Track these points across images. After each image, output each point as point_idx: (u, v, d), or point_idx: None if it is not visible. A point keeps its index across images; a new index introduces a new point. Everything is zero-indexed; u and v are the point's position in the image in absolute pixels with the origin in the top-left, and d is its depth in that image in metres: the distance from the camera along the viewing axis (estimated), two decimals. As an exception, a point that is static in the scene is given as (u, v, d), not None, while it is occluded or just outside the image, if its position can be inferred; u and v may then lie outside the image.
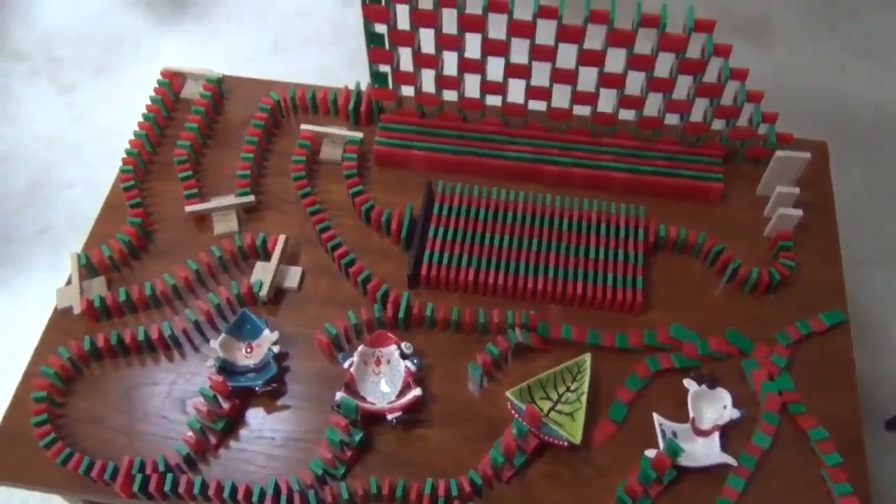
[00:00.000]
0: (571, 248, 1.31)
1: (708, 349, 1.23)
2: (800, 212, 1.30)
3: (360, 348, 1.21)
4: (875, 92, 2.44)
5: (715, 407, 1.16)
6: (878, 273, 2.07)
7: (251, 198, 1.37)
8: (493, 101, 1.45)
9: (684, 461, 1.10)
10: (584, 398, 1.16)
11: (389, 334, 1.22)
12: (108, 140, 2.23)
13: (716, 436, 1.13)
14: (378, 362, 1.21)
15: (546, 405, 1.16)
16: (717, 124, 1.42)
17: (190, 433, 1.13)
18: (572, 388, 1.18)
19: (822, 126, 2.30)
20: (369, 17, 1.32)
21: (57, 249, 2.00)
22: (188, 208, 1.35)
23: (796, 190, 1.32)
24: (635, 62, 1.31)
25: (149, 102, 1.50)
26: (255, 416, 1.18)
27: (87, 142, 2.23)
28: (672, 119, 1.41)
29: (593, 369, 1.20)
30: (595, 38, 1.31)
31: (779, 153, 1.32)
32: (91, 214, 2.05)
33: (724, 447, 1.12)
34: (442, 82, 1.41)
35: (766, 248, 1.35)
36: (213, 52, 2.53)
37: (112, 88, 2.38)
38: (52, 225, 2.05)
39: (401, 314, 1.24)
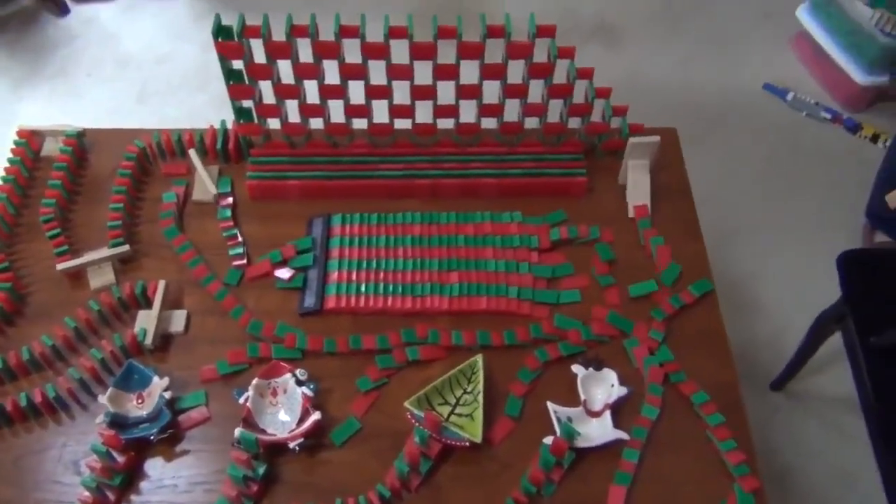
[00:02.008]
0: (472, 264, 1.34)
1: (591, 334, 1.27)
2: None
3: (254, 381, 1.19)
4: (720, 80, 2.60)
5: (603, 387, 1.21)
6: (742, 247, 2.19)
7: (125, 247, 1.35)
8: (359, 123, 1.47)
9: (581, 443, 1.14)
10: (480, 398, 1.19)
11: (282, 363, 1.22)
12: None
13: (607, 414, 1.17)
14: (274, 393, 1.20)
15: (445, 410, 1.18)
16: (574, 123, 1.48)
17: (86, 493, 1.09)
18: (468, 389, 1.20)
19: (675, 116, 2.43)
20: (224, 54, 1.32)
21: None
22: (60, 266, 1.31)
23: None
24: (489, 72, 1.36)
25: (7, 165, 1.45)
26: (154, 465, 1.15)
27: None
28: (532, 122, 1.46)
29: (486, 369, 1.22)
30: (447, 53, 1.35)
31: (632, 139, 1.40)
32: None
33: (617, 424, 1.17)
34: (306, 111, 1.42)
35: (632, 230, 1.41)
36: (76, 109, 2.47)
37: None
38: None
39: (297, 353, 1.25)
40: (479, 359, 1.22)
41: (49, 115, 2.41)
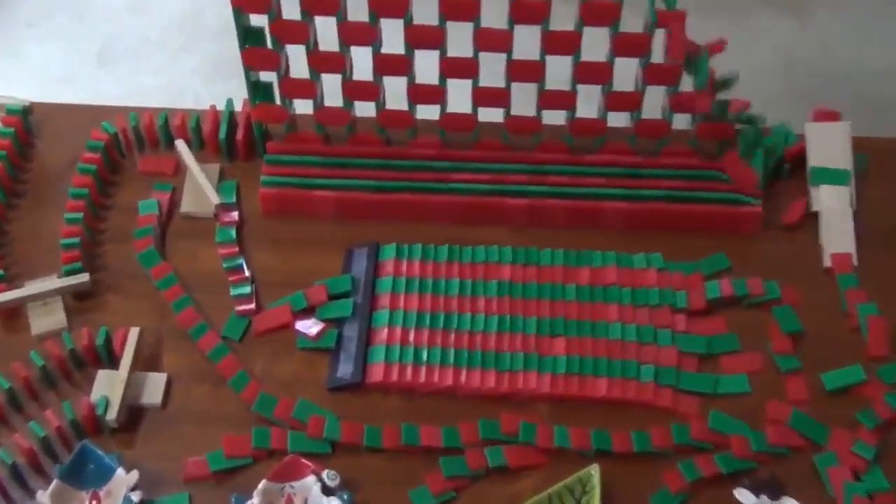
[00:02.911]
0: (586, 328, 1.34)
1: (765, 444, 1.25)
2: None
3: (261, 485, 1.20)
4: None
5: (782, 525, 1.19)
6: None
7: (84, 277, 1.36)
8: (428, 112, 1.48)
9: None
10: (594, 528, 1.17)
11: (304, 460, 1.22)
12: None
13: (788, 567, 1.15)
14: (290, 502, 1.20)
15: (541, 543, 1.17)
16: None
17: None
18: (576, 514, 1.19)
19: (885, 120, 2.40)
20: (240, 6, 1.34)
21: None
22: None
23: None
24: (623, 44, 1.36)
25: (-81, 148, 1.49)
26: None
27: None
28: (681, 121, 1.46)
29: (604, 486, 1.21)
30: (564, 15, 1.35)
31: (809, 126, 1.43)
32: None
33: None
34: (351, 90, 1.44)
35: (830, 290, 1.39)
36: (11, 72, 2.53)
37: None
38: None
39: (325, 445, 1.25)
40: (594, 471, 1.21)
41: (-28, 80, 2.49)
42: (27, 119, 1.55)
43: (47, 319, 1.35)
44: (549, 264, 1.40)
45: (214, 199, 1.45)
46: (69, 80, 2.51)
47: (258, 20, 1.38)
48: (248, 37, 1.39)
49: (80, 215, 1.42)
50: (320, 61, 1.40)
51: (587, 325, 1.34)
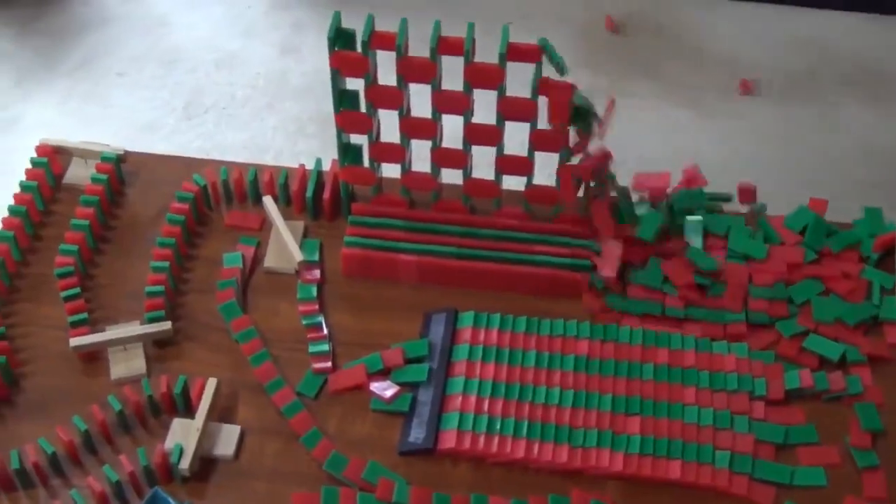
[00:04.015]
0: (663, 409, 1.33)
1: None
2: None
3: (328, 546, 1.19)
4: None
5: None
6: None
7: (166, 325, 1.38)
8: (514, 183, 1.49)
9: None
10: None
11: (371, 526, 1.21)
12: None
13: None
14: (356, 566, 1.20)
15: None
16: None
17: None
18: None
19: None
20: (339, 68, 1.37)
21: None
22: (74, 342, 1.35)
23: None
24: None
25: (17, 191, 1.53)
26: None
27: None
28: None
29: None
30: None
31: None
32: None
33: None
34: (440, 157, 1.45)
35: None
36: (99, 118, 2.59)
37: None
38: None
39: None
40: (665, 555, 1.19)
41: (62, 125, 2.55)
42: (119, 167, 1.59)
43: (127, 366, 1.37)
44: (627, 342, 1.40)
45: (298, 255, 1.47)
46: (153, 129, 2.56)
47: (353, 84, 1.40)
48: (343, 100, 1.41)
49: (167, 264, 1.44)
50: (412, 127, 1.42)
51: (663, 406, 1.33)
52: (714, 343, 1.40)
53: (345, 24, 1.36)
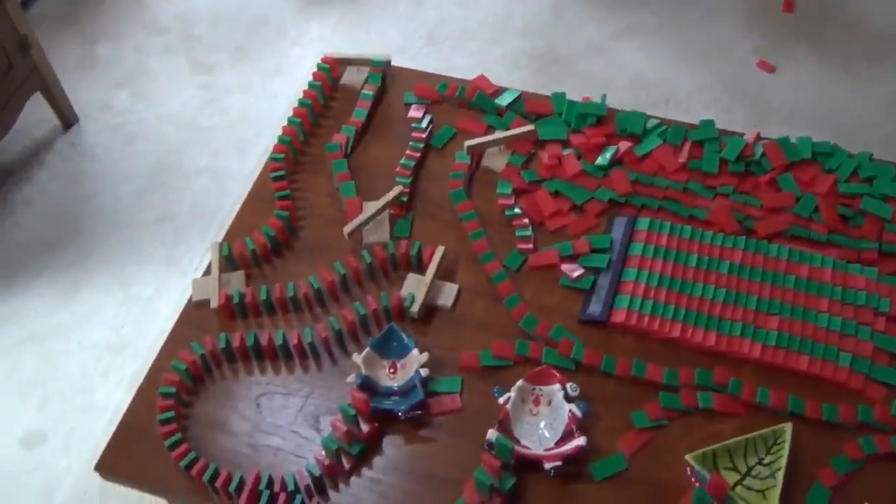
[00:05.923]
0: (799, 312, 1.31)
1: (940, 433, 1.20)
2: None
3: (518, 383, 1.24)
4: None
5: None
6: None
7: (399, 188, 1.45)
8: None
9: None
10: (779, 475, 1.15)
11: (554, 371, 1.25)
12: (238, 128, 2.38)
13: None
14: (538, 401, 1.24)
15: (732, 477, 1.16)
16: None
17: (323, 453, 1.19)
18: (765, 461, 1.17)
19: None
20: None
21: (176, 240, 2.13)
22: (346, 228, 1.41)
23: None
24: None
25: (306, 88, 1.61)
26: (392, 444, 1.23)
27: (217, 128, 2.38)
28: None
29: (793, 442, 1.18)
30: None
31: None
32: (216, 205, 2.21)
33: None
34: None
35: None
36: (361, 40, 2.66)
37: (248, 73, 2.53)
38: (174, 213, 2.19)
39: (571, 363, 1.28)
40: (787, 428, 1.19)
41: (334, 43, 2.63)
42: (385, 73, 1.66)
43: (377, 234, 1.43)
44: (774, 255, 1.38)
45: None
46: (402, 52, 2.60)
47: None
48: None
49: (415, 160, 1.51)
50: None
51: (800, 310, 1.31)
52: (849, 265, 1.36)
53: None
